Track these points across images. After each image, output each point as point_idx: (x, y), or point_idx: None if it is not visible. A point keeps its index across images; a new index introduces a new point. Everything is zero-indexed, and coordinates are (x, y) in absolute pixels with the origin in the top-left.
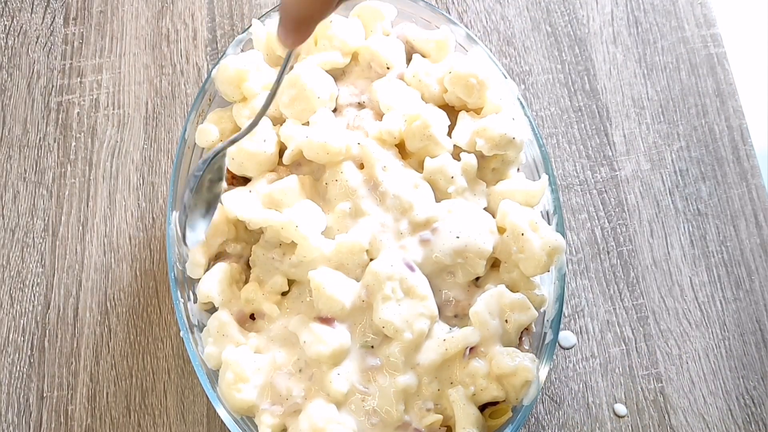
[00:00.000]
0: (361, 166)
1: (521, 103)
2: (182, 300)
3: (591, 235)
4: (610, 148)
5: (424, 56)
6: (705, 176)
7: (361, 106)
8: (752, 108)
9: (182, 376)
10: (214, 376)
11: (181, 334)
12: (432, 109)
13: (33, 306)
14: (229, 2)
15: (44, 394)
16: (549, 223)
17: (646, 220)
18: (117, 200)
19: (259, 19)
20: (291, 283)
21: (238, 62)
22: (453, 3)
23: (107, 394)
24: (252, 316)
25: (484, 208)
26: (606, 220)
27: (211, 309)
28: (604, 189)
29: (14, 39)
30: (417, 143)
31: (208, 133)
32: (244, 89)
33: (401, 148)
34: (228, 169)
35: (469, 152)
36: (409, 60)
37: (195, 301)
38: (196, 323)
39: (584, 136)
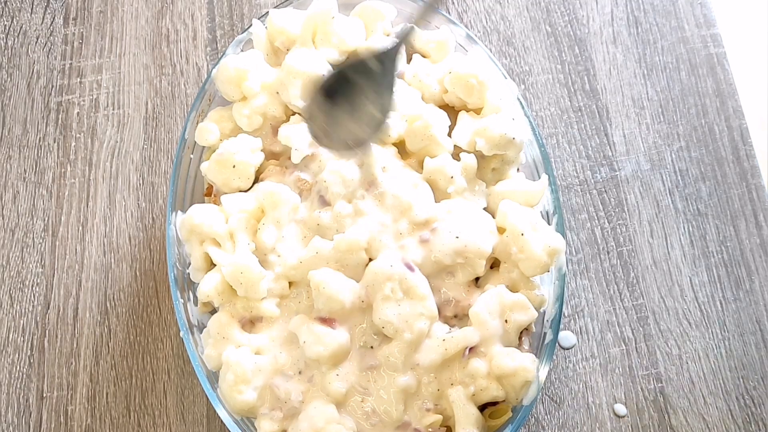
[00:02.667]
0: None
1: (521, 103)
2: (182, 300)
3: (591, 235)
4: (610, 148)
5: (424, 56)
6: (705, 176)
7: None
8: (752, 108)
9: (182, 376)
10: (214, 376)
11: (181, 334)
12: (433, 109)
13: (33, 306)
14: (229, 2)
15: (44, 394)
16: (549, 223)
17: (646, 220)
18: (117, 200)
19: (259, 19)
20: (291, 284)
21: (238, 62)
22: (453, 3)
23: (107, 394)
24: (251, 321)
25: (484, 209)
26: (606, 220)
27: (212, 311)
28: (604, 189)
29: (14, 39)
30: (418, 143)
31: (209, 132)
32: (244, 89)
33: (401, 148)
34: (209, 185)
35: (469, 152)
36: (409, 60)
37: (195, 303)
38: (196, 323)
39: (584, 136)
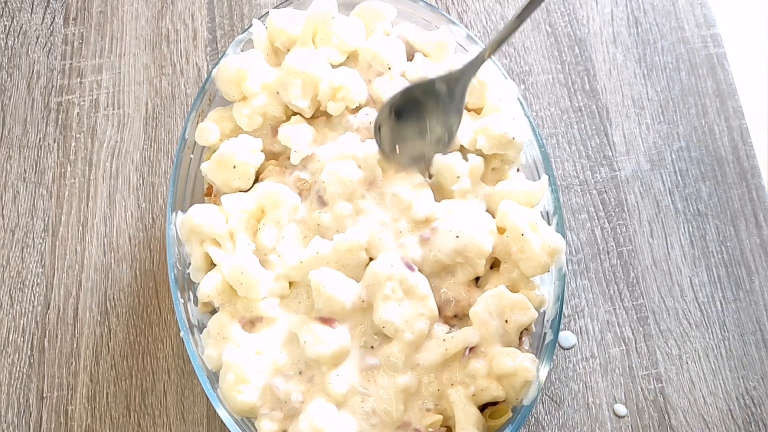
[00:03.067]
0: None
1: (521, 103)
2: (182, 300)
3: (591, 235)
4: (610, 148)
5: (425, 56)
6: (705, 176)
7: (357, 111)
8: (752, 108)
9: (182, 376)
10: (214, 376)
11: (182, 334)
12: None
13: (33, 306)
14: (229, 2)
15: (44, 395)
16: (549, 224)
17: (646, 220)
18: (117, 200)
19: (259, 19)
20: (291, 284)
21: (238, 62)
22: (453, 3)
23: (107, 394)
24: (251, 322)
25: (485, 210)
26: (606, 220)
27: (212, 311)
28: (604, 189)
29: (14, 39)
30: None
31: (209, 132)
32: (244, 89)
33: None
34: (210, 185)
35: (469, 151)
36: (411, 59)
37: (196, 303)
38: (197, 323)
39: (584, 136)
